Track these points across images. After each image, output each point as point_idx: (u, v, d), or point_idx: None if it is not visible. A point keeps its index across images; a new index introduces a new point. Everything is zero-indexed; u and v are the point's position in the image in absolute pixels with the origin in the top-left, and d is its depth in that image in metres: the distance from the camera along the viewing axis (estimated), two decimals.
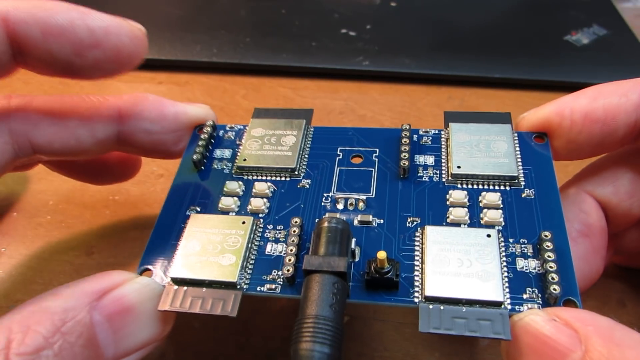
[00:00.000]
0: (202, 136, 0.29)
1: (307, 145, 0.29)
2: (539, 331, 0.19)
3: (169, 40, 0.53)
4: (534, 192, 0.25)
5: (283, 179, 0.28)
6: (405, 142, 0.27)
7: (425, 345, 0.30)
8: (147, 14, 0.57)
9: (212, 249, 0.24)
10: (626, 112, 0.25)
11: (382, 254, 0.22)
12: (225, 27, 0.54)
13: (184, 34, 0.53)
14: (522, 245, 0.24)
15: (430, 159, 0.28)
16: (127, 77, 0.51)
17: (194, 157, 0.28)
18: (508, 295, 0.22)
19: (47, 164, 0.34)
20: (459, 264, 0.23)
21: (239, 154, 0.29)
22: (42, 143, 0.27)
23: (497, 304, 0.21)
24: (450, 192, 0.26)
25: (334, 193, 0.27)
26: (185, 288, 0.23)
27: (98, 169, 0.34)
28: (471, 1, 0.58)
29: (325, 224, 0.23)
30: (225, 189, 0.27)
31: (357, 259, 0.24)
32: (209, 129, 0.30)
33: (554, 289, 0.21)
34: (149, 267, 0.25)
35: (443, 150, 0.28)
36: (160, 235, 0.26)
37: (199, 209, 0.27)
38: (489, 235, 0.23)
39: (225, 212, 0.26)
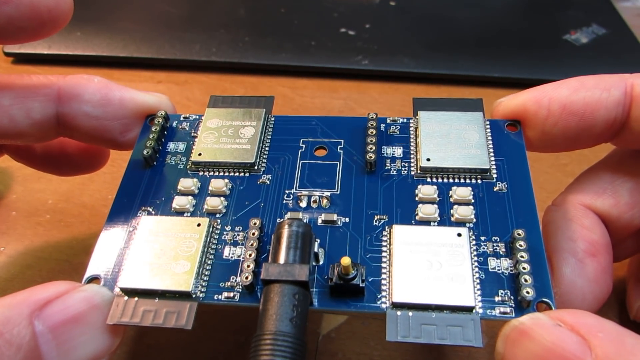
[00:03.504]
0: (153, 128, 0.27)
1: (268, 137, 0.27)
2: (543, 337, 0.18)
3: (168, 39, 0.52)
4: (506, 186, 0.24)
5: (241, 174, 0.26)
6: (371, 132, 0.26)
7: (424, 345, 0.29)
8: (146, 13, 0.55)
9: (165, 255, 0.22)
10: (606, 108, 0.23)
11: (346, 260, 0.20)
12: (225, 27, 0.53)
13: (183, 33, 0.52)
14: (494, 244, 0.22)
15: (398, 151, 0.26)
16: (125, 76, 0.49)
17: (145, 152, 0.26)
18: (480, 299, 0.21)
19: (8, 153, 0.32)
20: (428, 266, 0.21)
21: (194, 147, 0.27)
22: None
23: (468, 309, 0.20)
24: (419, 187, 0.24)
25: (296, 190, 0.25)
26: (136, 299, 0.22)
27: (58, 158, 0.33)
28: (470, 0, 0.57)
29: (285, 228, 0.22)
30: (179, 187, 0.25)
31: (321, 262, 0.23)
32: (160, 119, 0.27)
33: (527, 292, 0.20)
34: (97, 275, 0.23)
35: (412, 140, 0.26)
36: (109, 240, 0.24)
37: (151, 210, 0.25)
38: (459, 235, 0.22)
39: (180, 212, 0.25)
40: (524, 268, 0.21)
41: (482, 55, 0.49)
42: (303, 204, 0.24)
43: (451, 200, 0.24)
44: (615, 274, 0.30)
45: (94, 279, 0.23)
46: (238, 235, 0.24)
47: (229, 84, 0.49)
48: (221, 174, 0.26)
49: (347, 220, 0.24)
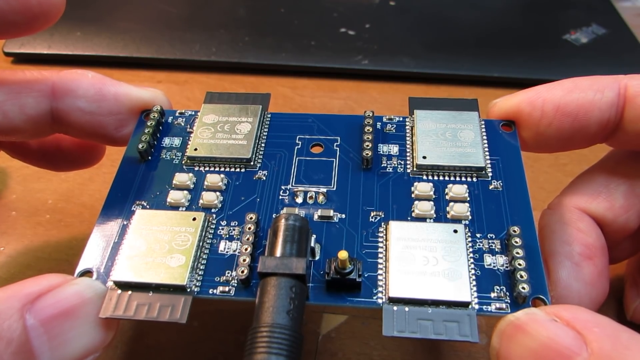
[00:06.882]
0: (148, 123, 0.27)
1: (264, 134, 0.27)
2: (539, 332, 0.18)
3: (167, 39, 0.51)
4: (501, 184, 0.24)
5: (237, 170, 0.26)
6: (368, 130, 0.26)
7: (424, 344, 0.29)
8: (146, 13, 0.55)
9: (159, 249, 0.22)
10: (600, 109, 0.23)
11: (343, 254, 0.20)
12: (224, 26, 0.53)
13: (183, 33, 0.52)
14: (490, 241, 0.22)
15: (394, 149, 0.26)
16: (124, 76, 0.49)
17: (140, 146, 0.26)
18: (475, 295, 0.21)
19: (4, 149, 0.32)
20: (424, 262, 0.21)
21: (189, 142, 0.27)
22: None
23: (465, 305, 0.20)
24: (416, 184, 0.24)
25: (292, 185, 0.25)
26: (129, 292, 0.21)
27: (53, 154, 0.32)
28: (470, 0, 0.57)
29: (282, 222, 0.21)
30: (174, 181, 0.25)
31: (317, 258, 0.22)
32: (156, 114, 0.27)
33: (523, 288, 0.20)
34: (89, 268, 0.23)
35: (408, 139, 0.26)
36: (102, 233, 0.24)
37: (145, 204, 0.25)
38: (455, 231, 0.22)
39: (175, 207, 0.24)
40: (519, 264, 0.21)
41: (481, 55, 0.50)
42: (299, 200, 0.24)
43: (447, 197, 0.24)
44: (615, 272, 0.30)
45: (87, 273, 0.23)
46: (234, 230, 0.24)
47: (229, 84, 0.49)
48: (217, 169, 0.26)
49: (344, 216, 0.24)
